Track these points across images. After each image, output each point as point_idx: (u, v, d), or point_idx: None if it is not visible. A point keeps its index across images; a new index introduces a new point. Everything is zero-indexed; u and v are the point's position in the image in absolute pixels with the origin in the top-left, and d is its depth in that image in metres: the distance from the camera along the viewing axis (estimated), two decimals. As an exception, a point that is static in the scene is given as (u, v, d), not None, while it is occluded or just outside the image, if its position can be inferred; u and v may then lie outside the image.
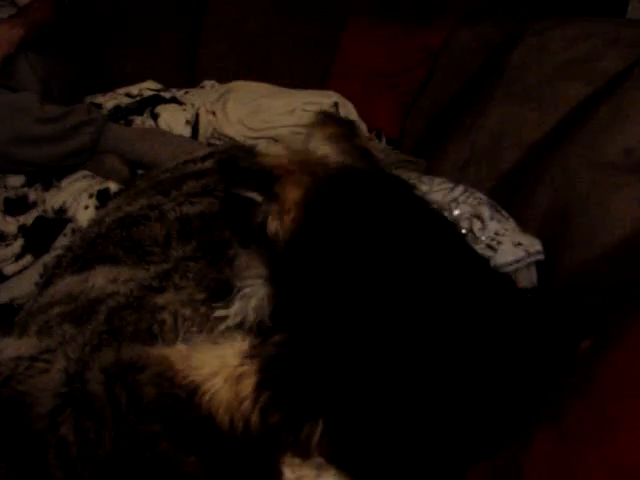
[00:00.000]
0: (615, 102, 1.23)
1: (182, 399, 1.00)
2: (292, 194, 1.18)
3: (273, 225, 1.19)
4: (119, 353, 1.07)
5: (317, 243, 1.13)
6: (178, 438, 0.95)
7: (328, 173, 1.20)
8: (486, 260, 1.18)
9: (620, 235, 1.03)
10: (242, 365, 1.00)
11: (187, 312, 1.23)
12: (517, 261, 1.19)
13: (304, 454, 0.97)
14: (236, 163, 1.30)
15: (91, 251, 1.52)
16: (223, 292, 1.27)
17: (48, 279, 1.53)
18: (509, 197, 1.40)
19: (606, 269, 1.03)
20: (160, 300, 1.27)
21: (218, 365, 1.01)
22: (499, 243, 1.22)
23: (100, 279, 1.37)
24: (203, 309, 1.24)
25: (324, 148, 1.28)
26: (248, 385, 0.98)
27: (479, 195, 1.39)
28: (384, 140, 2.39)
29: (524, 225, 1.27)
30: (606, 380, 0.68)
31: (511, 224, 1.28)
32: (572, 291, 1.07)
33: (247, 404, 0.97)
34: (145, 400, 0.97)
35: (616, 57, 1.42)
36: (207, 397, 0.99)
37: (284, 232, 1.18)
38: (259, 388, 0.97)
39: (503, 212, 1.32)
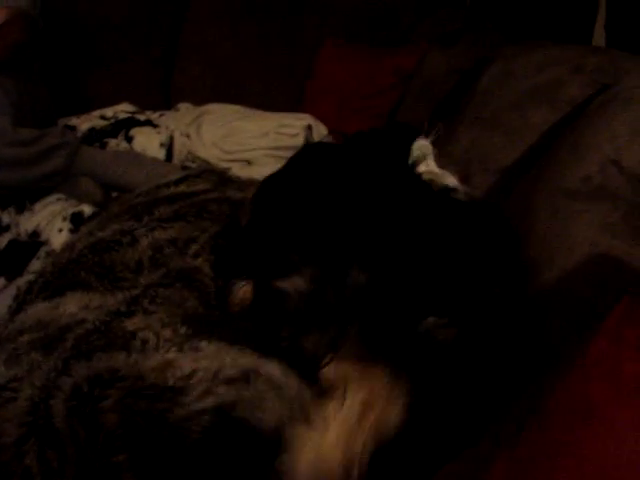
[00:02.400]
0: (577, 130, 1.25)
1: (152, 418, 1.00)
2: None
3: None
4: (91, 363, 1.08)
5: None
6: (144, 469, 0.96)
7: None
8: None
9: (579, 259, 1.05)
10: None
11: (168, 333, 1.24)
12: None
13: None
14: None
15: (62, 277, 1.52)
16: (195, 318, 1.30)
17: (19, 305, 1.52)
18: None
19: (565, 293, 1.06)
20: (129, 324, 1.27)
21: None
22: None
23: (71, 306, 1.37)
24: (183, 330, 1.25)
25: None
26: None
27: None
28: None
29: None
30: (557, 407, 0.70)
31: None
32: (533, 315, 1.09)
33: None
34: (107, 429, 0.97)
35: (580, 85, 1.44)
36: None
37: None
38: None
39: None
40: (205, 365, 1.07)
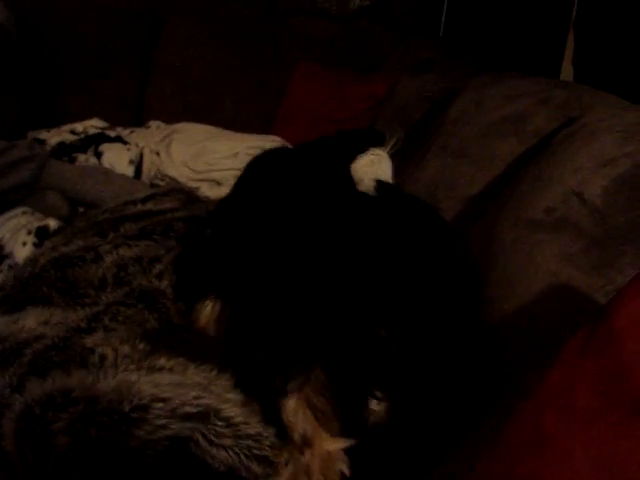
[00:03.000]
0: (541, 162, 1.27)
1: (104, 444, 0.98)
2: None
3: None
4: (46, 383, 1.06)
5: None
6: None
7: None
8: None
9: (538, 288, 1.06)
10: None
11: (126, 349, 1.22)
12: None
13: None
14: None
15: (24, 291, 1.50)
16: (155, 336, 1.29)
17: (-22, 319, 1.50)
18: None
19: (522, 321, 1.06)
20: (89, 340, 1.25)
21: None
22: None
23: (31, 321, 1.35)
24: (142, 345, 1.24)
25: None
26: None
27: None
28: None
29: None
30: (512, 438, 0.70)
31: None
32: (491, 344, 1.10)
33: None
34: (57, 452, 0.95)
35: (546, 117, 1.46)
36: None
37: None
38: None
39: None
40: (165, 395, 1.05)
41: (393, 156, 1.53)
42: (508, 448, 0.70)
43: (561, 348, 0.73)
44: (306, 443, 1.02)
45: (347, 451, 1.02)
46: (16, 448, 0.96)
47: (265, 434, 1.06)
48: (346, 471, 1.00)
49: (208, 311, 1.40)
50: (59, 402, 1.01)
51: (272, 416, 1.07)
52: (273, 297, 1.16)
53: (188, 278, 1.48)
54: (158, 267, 1.57)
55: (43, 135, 2.62)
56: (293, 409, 1.04)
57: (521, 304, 1.07)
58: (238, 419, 1.05)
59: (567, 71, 2.38)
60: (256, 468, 1.03)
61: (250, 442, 1.04)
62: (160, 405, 1.02)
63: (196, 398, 1.05)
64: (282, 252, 1.21)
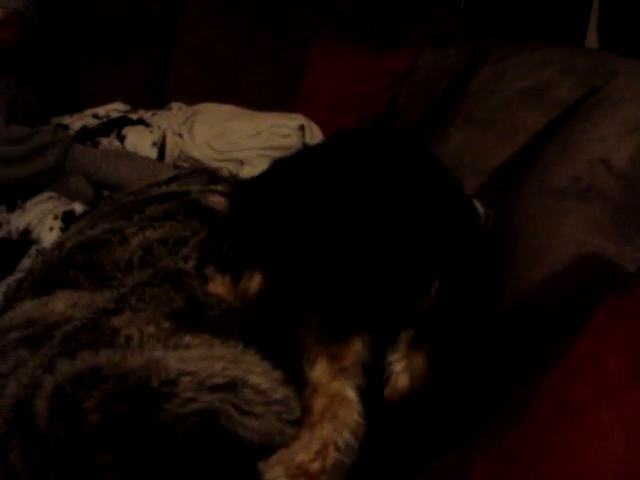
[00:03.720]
0: (567, 130, 1.25)
1: (135, 420, 0.99)
2: None
3: None
4: (75, 362, 1.07)
5: None
6: (128, 469, 0.95)
7: None
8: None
9: (566, 257, 1.05)
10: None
11: (151, 329, 1.23)
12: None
13: None
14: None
15: (52, 275, 1.51)
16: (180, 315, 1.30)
17: (8, 303, 1.52)
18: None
19: (551, 291, 1.05)
20: (116, 321, 1.26)
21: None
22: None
23: (60, 304, 1.36)
24: (166, 324, 1.24)
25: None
26: None
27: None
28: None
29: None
30: (540, 407, 0.69)
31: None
32: (517, 313, 1.09)
33: None
34: (89, 430, 0.96)
35: (571, 86, 1.44)
36: None
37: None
38: None
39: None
40: (192, 369, 1.06)
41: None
42: (537, 418, 0.69)
43: (590, 316, 0.72)
44: (322, 389, 1.05)
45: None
46: (49, 426, 0.97)
47: (292, 396, 1.07)
48: (359, 419, 1.03)
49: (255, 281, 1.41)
50: (89, 380, 1.02)
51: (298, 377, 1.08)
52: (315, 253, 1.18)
53: (232, 250, 1.49)
54: (184, 250, 1.57)
55: (66, 120, 2.64)
56: (321, 368, 1.05)
57: (548, 274, 1.06)
58: (265, 386, 1.06)
59: (592, 39, 2.35)
60: (289, 430, 1.04)
61: (279, 407, 1.05)
62: (188, 379, 1.03)
63: (223, 370, 1.06)
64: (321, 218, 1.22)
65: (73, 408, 0.98)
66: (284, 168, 1.51)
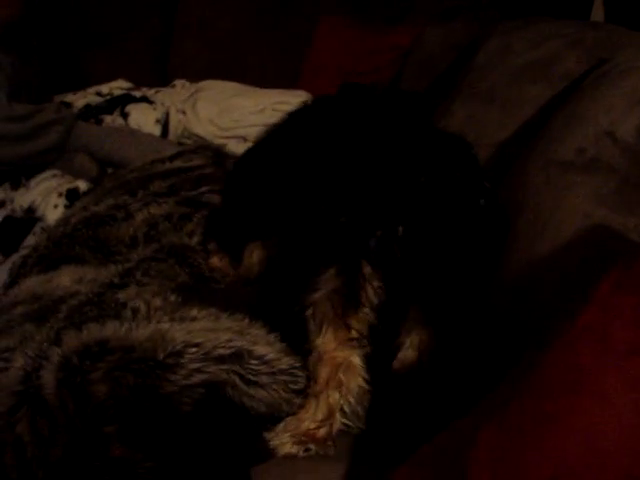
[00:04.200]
0: (572, 103, 1.24)
1: (141, 391, 1.00)
2: None
3: None
4: (82, 334, 1.08)
5: None
6: (134, 439, 0.96)
7: None
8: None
9: (572, 229, 1.05)
10: None
11: (158, 302, 1.23)
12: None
13: None
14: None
15: (57, 251, 1.52)
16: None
17: (13, 279, 1.53)
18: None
19: (556, 262, 1.05)
20: (122, 295, 1.27)
21: None
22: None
23: (65, 279, 1.37)
24: (173, 297, 1.25)
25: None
26: None
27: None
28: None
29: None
30: (544, 375, 0.69)
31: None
32: (523, 284, 1.09)
33: None
34: (96, 400, 0.97)
35: (577, 59, 1.43)
36: None
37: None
38: None
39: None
40: (198, 340, 1.07)
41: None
42: (543, 385, 0.69)
43: (595, 285, 0.72)
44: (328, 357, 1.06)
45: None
46: (57, 397, 0.98)
47: (298, 366, 1.09)
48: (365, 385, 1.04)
49: (255, 255, 1.41)
50: (95, 352, 1.03)
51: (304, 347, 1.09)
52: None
53: (231, 225, 1.49)
54: (189, 226, 1.58)
55: (69, 98, 2.63)
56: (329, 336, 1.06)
57: (554, 246, 1.06)
58: (270, 356, 1.07)
59: (597, 15, 2.33)
60: (296, 399, 1.07)
61: (285, 376, 1.07)
62: (194, 350, 1.04)
63: (229, 341, 1.08)
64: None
65: (80, 379, 0.99)
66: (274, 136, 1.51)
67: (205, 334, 1.07)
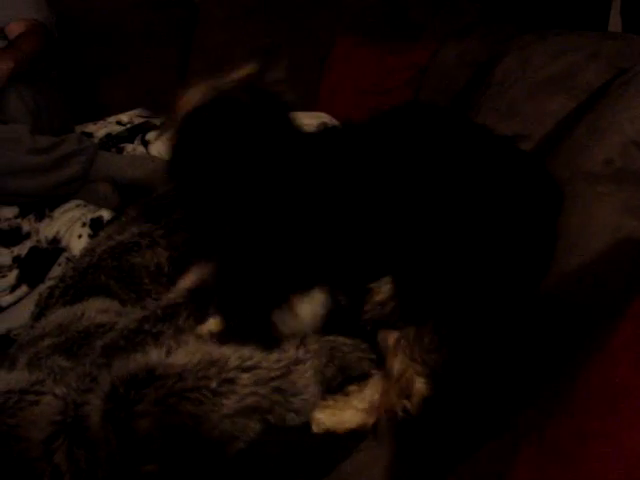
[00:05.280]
0: (595, 115, 1.23)
1: (187, 425, 1.00)
2: None
3: None
4: (127, 364, 1.09)
5: None
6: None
7: None
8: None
9: (602, 243, 1.03)
10: None
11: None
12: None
13: None
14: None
15: (82, 281, 1.53)
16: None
17: (40, 311, 1.54)
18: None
19: (589, 277, 1.03)
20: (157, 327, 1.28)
21: None
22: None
23: (91, 311, 1.38)
24: None
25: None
26: None
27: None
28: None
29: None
30: (583, 394, 0.68)
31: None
32: (555, 301, 1.07)
33: None
34: (139, 437, 0.97)
35: (597, 71, 1.42)
36: None
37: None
38: None
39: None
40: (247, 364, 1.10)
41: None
42: (580, 405, 0.68)
43: (631, 300, 0.71)
44: None
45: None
46: (101, 431, 0.99)
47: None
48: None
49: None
50: (142, 379, 1.04)
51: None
52: None
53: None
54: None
55: (90, 128, 2.66)
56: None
57: (584, 260, 1.05)
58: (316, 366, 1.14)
59: (615, 24, 2.31)
60: None
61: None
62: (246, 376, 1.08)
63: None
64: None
65: (125, 414, 0.99)
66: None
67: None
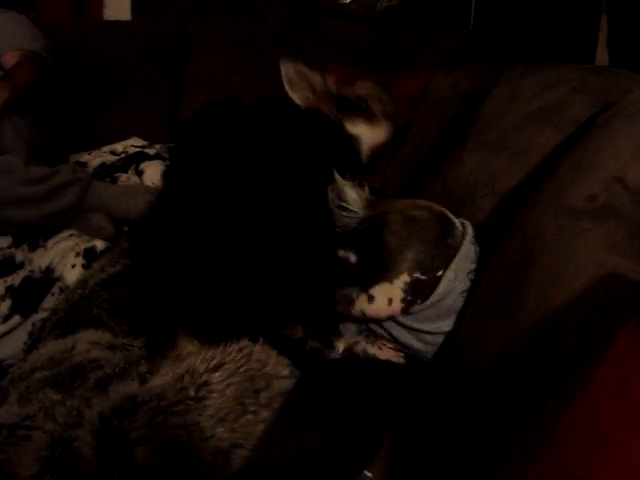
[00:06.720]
0: (580, 149, 1.24)
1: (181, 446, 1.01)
2: None
3: None
4: (109, 397, 1.10)
5: None
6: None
7: None
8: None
9: (585, 278, 1.04)
10: None
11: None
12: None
13: None
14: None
15: (74, 314, 1.53)
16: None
17: (32, 344, 1.54)
18: (484, 248, 1.42)
19: (571, 313, 1.04)
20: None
21: None
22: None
23: (82, 343, 1.38)
24: None
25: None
26: None
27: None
28: (367, 189, 2.41)
29: (492, 275, 1.30)
30: (565, 434, 0.69)
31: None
32: (537, 336, 1.08)
33: None
34: (137, 464, 0.97)
35: (582, 105, 1.44)
36: None
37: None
38: None
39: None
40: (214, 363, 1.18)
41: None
42: (563, 445, 0.69)
43: (613, 338, 0.72)
44: None
45: None
46: (98, 463, 0.99)
47: None
48: None
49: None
50: (129, 409, 1.05)
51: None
52: None
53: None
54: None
55: (84, 158, 2.68)
56: None
57: (568, 296, 1.05)
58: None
59: (602, 57, 2.34)
60: None
61: None
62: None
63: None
64: None
65: (121, 443, 1.00)
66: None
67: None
